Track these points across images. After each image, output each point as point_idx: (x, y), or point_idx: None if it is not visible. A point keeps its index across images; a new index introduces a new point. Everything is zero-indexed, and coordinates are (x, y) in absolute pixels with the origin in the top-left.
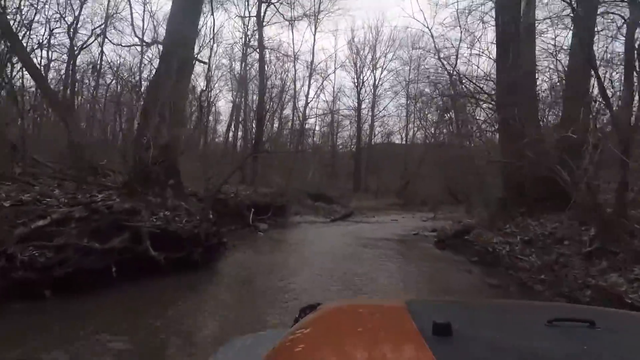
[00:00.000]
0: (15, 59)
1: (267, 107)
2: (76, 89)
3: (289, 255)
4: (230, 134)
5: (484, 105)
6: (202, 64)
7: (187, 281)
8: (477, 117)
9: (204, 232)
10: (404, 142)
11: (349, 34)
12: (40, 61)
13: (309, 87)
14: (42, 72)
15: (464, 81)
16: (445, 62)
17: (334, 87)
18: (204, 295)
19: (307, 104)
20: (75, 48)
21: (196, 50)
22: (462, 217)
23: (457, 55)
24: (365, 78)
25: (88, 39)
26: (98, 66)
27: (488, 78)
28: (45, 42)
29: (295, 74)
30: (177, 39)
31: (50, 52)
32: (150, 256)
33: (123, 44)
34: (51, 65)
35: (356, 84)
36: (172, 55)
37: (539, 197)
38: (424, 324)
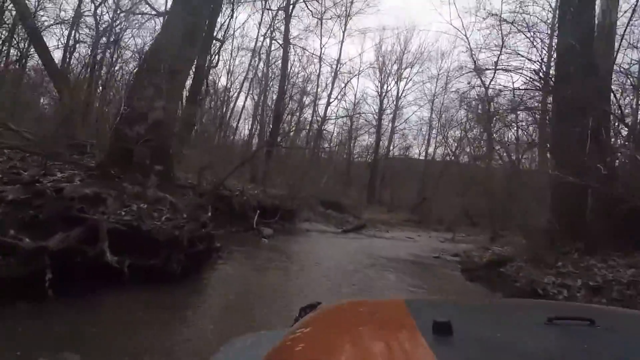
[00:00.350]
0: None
1: (287, 105)
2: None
3: (292, 276)
4: (246, 131)
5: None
6: (218, 42)
7: (151, 300)
8: (514, 135)
9: (187, 234)
10: (422, 158)
11: (377, 39)
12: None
13: (332, 86)
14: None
15: (504, 93)
16: (479, 74)
17: (355, 94)
18: (161, 327)
19: (328, 103)
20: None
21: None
22: (485, 243)
23: (495, 67)
24: (389, 88)
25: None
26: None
27: (536, 89)
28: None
29: (319, 73)
30: (186, 4)
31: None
32: (106, 262)
33: (135, 12)
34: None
35: (379, 92)
36: (177, 19)
37: (606, 231)
38: (424, 323)
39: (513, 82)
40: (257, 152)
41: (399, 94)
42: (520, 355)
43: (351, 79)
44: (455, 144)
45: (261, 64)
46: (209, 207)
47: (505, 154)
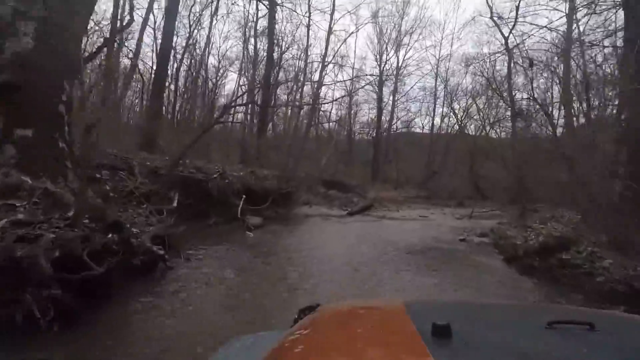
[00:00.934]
0: None
1: (277, 70)
2: None
3: (263, 299)
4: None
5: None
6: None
7: None
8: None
9: (49, 252)
10: (426, 131)
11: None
12: None
13: (326, 47)
14: None
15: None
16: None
17: (353, 68)
18: None
19: (323, 67)
20: None
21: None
22: (514, 219)
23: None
24: (388, 57)
25: None
26: None
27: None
28: None
29: (308, 34)
30: None
31: None
32: None
33: None
34: None
35: (378, 62)
36: None
37: None
38: (423, 325)
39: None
40: (222, 116)
41: (399, 64)
42: (519, 358)
43: (347, 37)
44: (464, 113)
45: (251, 37)
46: (175, 196)
47: (541, 117)
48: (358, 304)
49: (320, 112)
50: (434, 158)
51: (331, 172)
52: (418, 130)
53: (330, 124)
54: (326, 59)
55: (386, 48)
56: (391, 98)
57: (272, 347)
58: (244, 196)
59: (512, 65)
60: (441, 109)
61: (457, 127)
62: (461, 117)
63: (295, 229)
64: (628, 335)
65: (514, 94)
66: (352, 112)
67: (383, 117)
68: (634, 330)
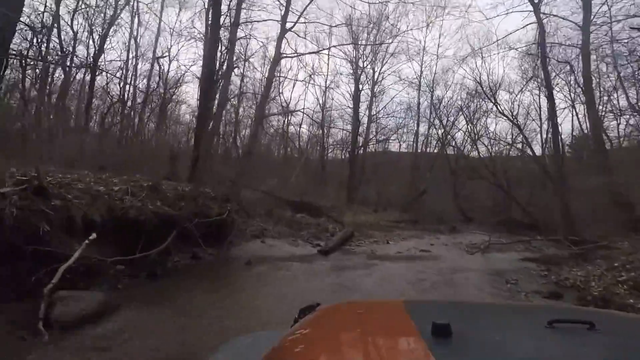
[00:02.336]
0: None
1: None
2: None
3: None
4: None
5: None
6: None
7: None
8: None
9: None
10: (405, 149)
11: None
12: None
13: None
14: None
15: None
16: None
17: (326, 80)
18: None
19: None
20: None
21: None
22: (558, 255)
23: None
24: (364, 65)
25: None
26: None
27: None
28: None
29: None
30: None
31: None
32: None
33: None
34: None
35: (354, 69)
36: None
37: None
38: (423, 324)
39: None
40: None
41: (375, 77)
42: (519, 358)
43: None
44: (449, 128)
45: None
46: None
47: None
48: (358, 303)
49: (290, 129)
50: (417, 177)
51: (300, 192)
52: (399, 147)
53: (302, 141)
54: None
55: (362, 56)
56: (367, 112)
57: (272, 346)
58: (92, 235)
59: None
60: (425, 125)
61: (440, 144)
62: (445, 132)
63: (211, 303)
64: (628, 334)
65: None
66: (324, 128)
67: (360, 133)
68: (634, 330)
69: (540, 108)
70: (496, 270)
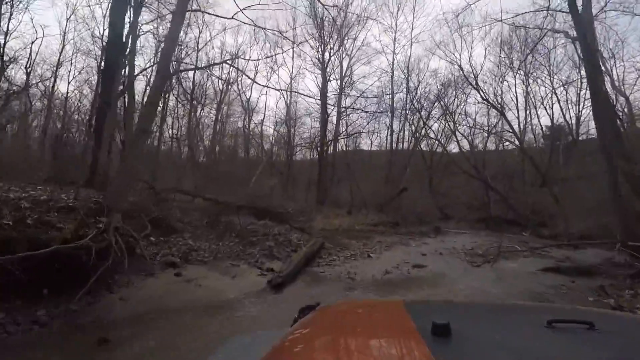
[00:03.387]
0: None
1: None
2: None
3: None
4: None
5: None
6: None
7: None
8: None
9: None
10: (376, 148)
11: None
12: None
13: None
14: None
15: None
16: None
17: (292, 71)
18: None
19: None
20: None
21: None
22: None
23: None
24: (331, 54)
25: None
26: None
27: None
28: None
29: None
30: None
31: None
32: None
33: None
34: None
35: (320, 60)
36: None
37: None
38: (423, 324)
39: None
40: None
41: (344, 70)
42: (519, 357)
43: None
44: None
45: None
46: None
47: None
48: (358, 303)
49: (252, 127)
50: (393, 175)
51: (264, 195)
52: (366, 148)
53: (267, 142)
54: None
55: (329, 43)
56: (335, 108)
57: (272, 346)
58: None
59: None
60: (399, 120)
61: (415, 140)
62: (421, 124)
63: None
64: (627, 334)
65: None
66: (290, 125)
67: (330, 130)
68: (634, 330)
69: (517, 97)
70: (531, 294)
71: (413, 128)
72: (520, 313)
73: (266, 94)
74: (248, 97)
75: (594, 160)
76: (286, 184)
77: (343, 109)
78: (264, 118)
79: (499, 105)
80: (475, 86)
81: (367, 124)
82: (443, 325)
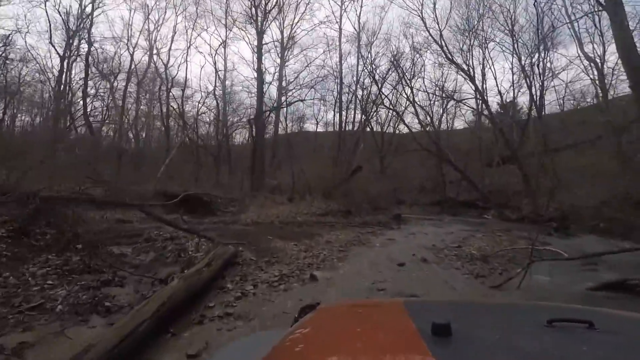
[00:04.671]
0: None
1: None
2: None
3: None
4: None
5: None
6: None
7: None
8: None
9: None
10: (321, 129)
11: None
12: None
13: None
14: None
15: None
16: None
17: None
18: None
19: None
20: None
21: None
22: None
23: None
24: (267, 24)
25: None
26: None
27: None
28: None
29: None
30: None
31: None
32: None
33: None
34: None
35: (257, 28)
36: None
37: None
38: (423, 324)
39: None
40: None
41: (284, 40)
42: (519, 357)
43: None
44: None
45: None
46: None
47: None
48: (358, 303)
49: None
50: (342, 157)
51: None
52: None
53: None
54: None
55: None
56: (277, 84)
57: (272, 346)
58: None
59: None
60: (347, 95)
61: (366, 116)
62: (376, 97)
63: None
64: (628, 333)
65: None
66: (221, 105)
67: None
68: (634, 329)
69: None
70: None
71: (365, 98)
72: (520, 312)
73: (187, 62)
74: (166, 63)
75: (558, 135)
76: (217, 168)
77: (285, 85)
78: (184, 89)
79: (469, 69)
80: (440, 44)
81: (309, 91)
82: (443, 325)
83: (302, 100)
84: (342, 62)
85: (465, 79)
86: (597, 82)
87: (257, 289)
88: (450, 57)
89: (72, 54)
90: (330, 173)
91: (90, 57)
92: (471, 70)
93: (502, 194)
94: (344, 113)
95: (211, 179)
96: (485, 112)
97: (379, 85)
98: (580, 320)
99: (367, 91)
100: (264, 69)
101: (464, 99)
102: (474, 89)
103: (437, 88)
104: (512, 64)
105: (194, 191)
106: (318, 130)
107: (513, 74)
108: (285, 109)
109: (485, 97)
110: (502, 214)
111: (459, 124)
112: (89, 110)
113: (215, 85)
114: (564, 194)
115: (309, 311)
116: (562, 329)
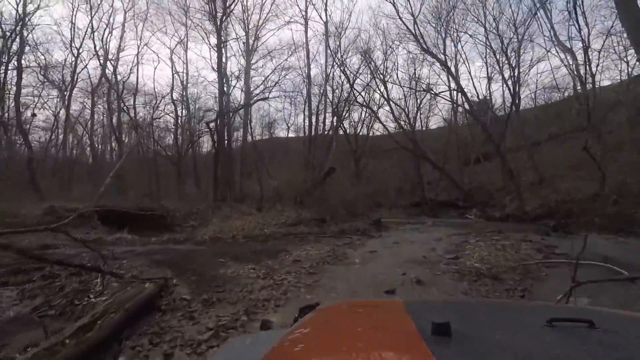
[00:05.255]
0: None
1: None
2: None
3: None
4: None
5: None
6: None
7: None
8: None
9: None
10: (293, 134)
11: None
12: None
13: None
14: None
15: None
16: None
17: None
18: None
19: None
20: None
21: None
22: None
23: None
24: (227, 6)
25: None
26: None
27: None
28: None
29: None
30: None
31: None
32: None
33: None
34: None
35: (217, 26)
36: None
37: None
38: (423, 324)
39: None
40: None
41: (251, 43)
42: (519, 357)
43: None
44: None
45: None
46: None
47: None
48: (358, 303)
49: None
50: (313, 161)
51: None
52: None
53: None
54: None
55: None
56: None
57: (272, 346)
58: None
59: None
60: (318, 95)
61: (337, 116)
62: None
63: None
64: (628, 333)
65: None
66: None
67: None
68: (634, 328)
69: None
70: None
71: (337, 96)
72: (521, 312)
73: (139, 64)
74: (115, 65)
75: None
76: (179, 178)
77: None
78: (135, 93)
79: (446, 59)
80: (415, 34)
81: (274, 86)
82: (443, 324)
83: (265, 99)
84: (310, 58)
85: (442, 69)
86: (574, 72)
87: (191, 347)
88: (426, 47)
89: (8, 59)
90: (301, 178)
91: (23, 60)
92: (448, 60)
93: (483, 191)
94: (314, 116)
95: (174, 190)
96: (466, 106)
97: (351, 81)
98: (581, 320)
99: (338, 90)
100: (225, 69)
101: (442, 92)
102: (451, 78)
103: (413, 81)
104: (485, 58)
105: (135, 205)
106: (289, 135)
107: (488, 67)
108: (251, 114)
109: (463, 90)
110: (486, 213)
111: (433, 123)
112: (23, 118)
113: (172, 89)
114: (547, 189)
115: (308, 311)
116: (563, 328)
